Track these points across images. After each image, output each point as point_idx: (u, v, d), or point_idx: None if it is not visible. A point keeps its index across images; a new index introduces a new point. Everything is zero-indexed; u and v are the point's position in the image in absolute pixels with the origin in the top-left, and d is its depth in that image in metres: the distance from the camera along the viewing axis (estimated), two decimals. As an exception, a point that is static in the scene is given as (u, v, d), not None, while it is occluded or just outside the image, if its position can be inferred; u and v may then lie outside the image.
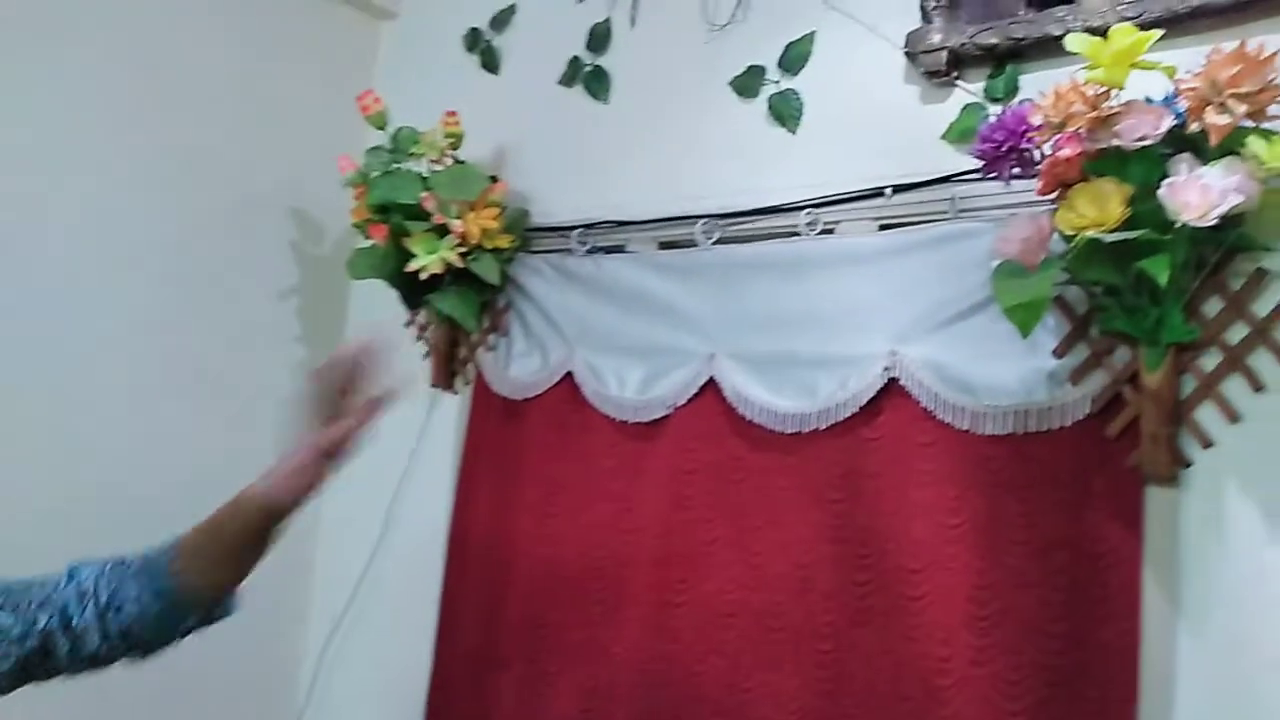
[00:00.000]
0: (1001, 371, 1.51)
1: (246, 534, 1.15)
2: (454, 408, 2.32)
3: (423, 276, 2.10)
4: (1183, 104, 1.25)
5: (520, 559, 2.05)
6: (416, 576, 2.28)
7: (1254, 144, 1.18)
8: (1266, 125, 1.21)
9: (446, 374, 2.31)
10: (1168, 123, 1.22)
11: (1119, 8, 1.46)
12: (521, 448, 2.12)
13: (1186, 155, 1.24)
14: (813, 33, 1.83)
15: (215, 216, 2.30)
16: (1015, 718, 1.44)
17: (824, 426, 1.68)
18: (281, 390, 2.39)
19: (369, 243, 2.20)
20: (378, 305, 2.39)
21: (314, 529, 2.51)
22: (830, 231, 1.77)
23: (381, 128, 2.20)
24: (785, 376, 1.74)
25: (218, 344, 2.31)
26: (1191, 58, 1.28)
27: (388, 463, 2.37)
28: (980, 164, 1.44)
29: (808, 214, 1.77)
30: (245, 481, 1.17)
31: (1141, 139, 1.23)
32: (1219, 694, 1.32)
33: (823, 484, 1.68)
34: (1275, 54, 1.18)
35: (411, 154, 2.16)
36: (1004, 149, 1.37)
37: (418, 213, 2.10)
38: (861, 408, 1.64)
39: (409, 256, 2.10)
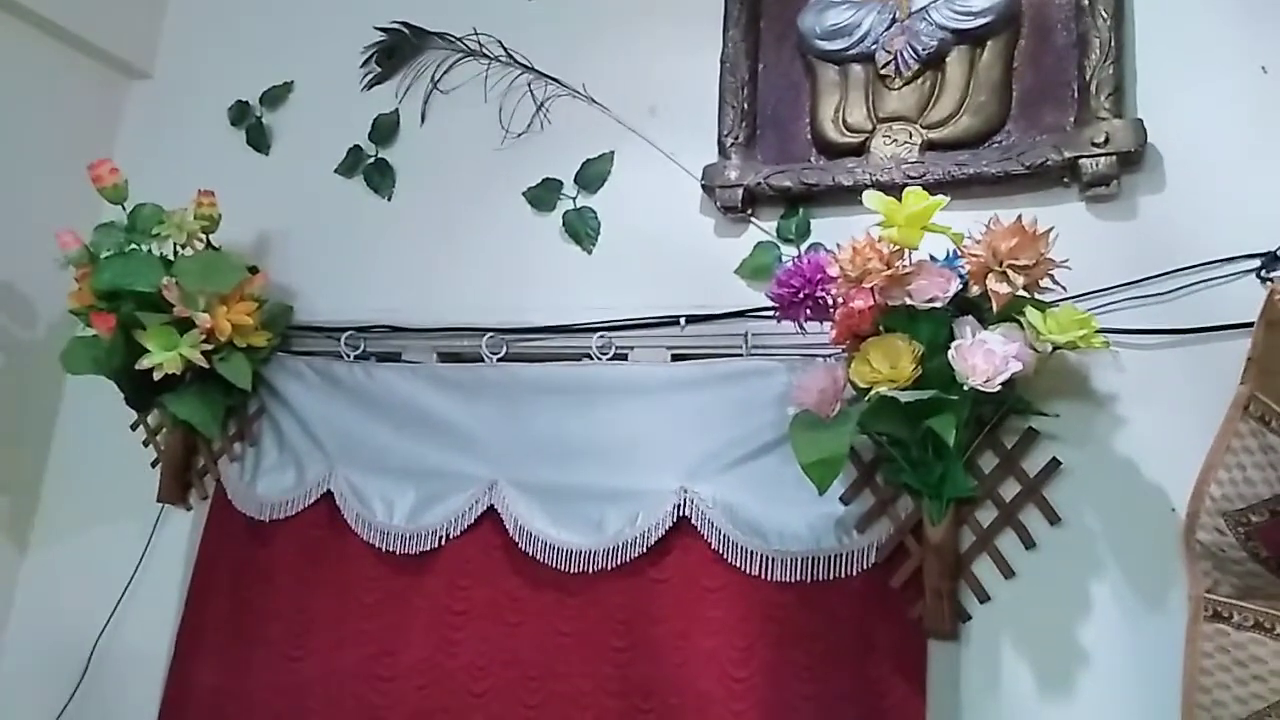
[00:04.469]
0: (791, 516, 1.48)
1: None
2: (185, 526, 2.00)
3: (157, 376, 1.80)
4: (965, 267, 1.29)
5: (255, 711, 1.76)
6: (121, 730, 1.90)
7: (1032, 315, 1.23)
8: (1040, 296, 1.27)
9: (179, 487, 1.99)
10: (955, 286, 1.26)
11: (903, 166, 1.52)
12: (265, 577, 1.85)
13: (969, 318, 1.28)
14: (612, 153, 1.80)
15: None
16: None
17: (611, 566, 1.57)
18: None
19: (90, 332, 1.88)
20: (97, 403, 2.05)
21: (-11, 671, 2.06)
22: (623, 357, 1.70)
23: (118, 202, 1.90)
24: (571, 509, 1.62)
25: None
26: (966, 220, 1.34)
27: (97, 590, 2.01)
28: (775, 305, 1.42)
29: (600, 337, 1.70)
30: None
31: (931, 300, 1.25)
32: None
33: (606, 630, 1.57)
34: (1048, 231, 1.25)
35: (154, 235, 1.89)
36: (800, 295, 1.36)
37: (155, 302, 1.82)
38: (650, 547, 1.55)
39: (140, 350, 1.80)
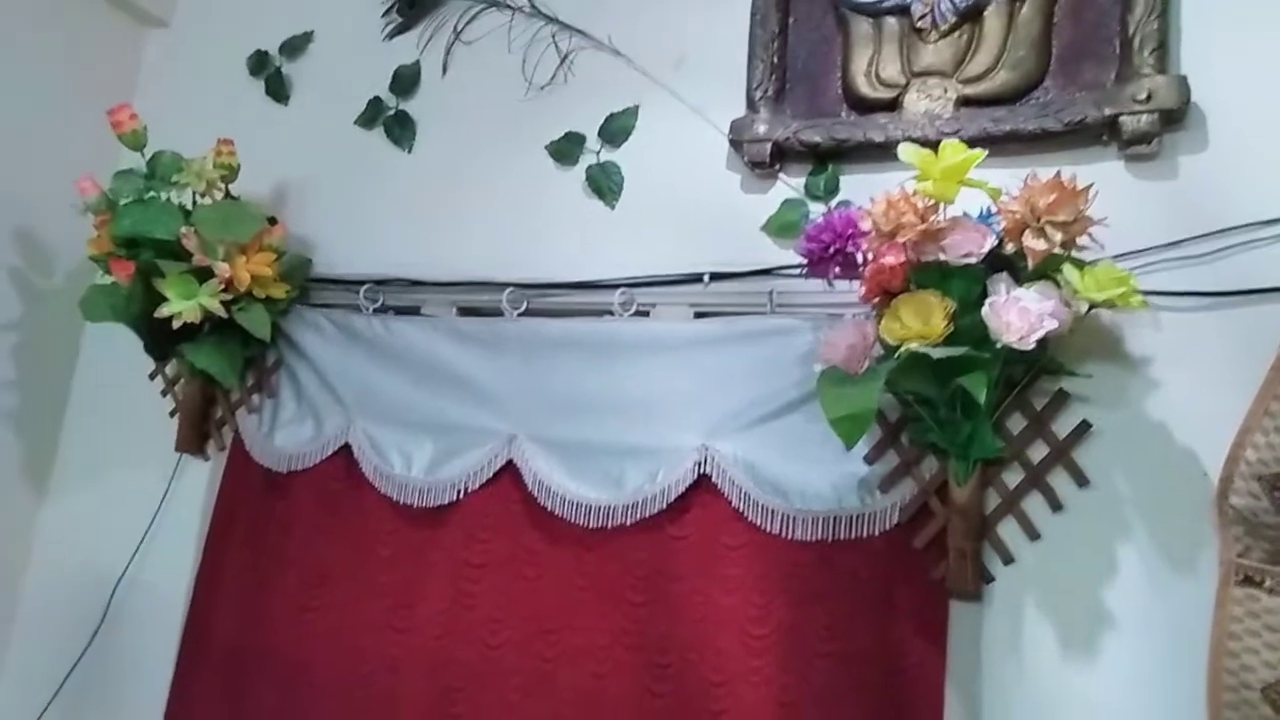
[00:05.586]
0: (814, 475, 1.46)
1: None
2: (203, 476, 2.00)
3: (175, 325, 1.79)
4: (1000, 224, 1.26)
5: (271, 661, 1.77)
6: (140, 678, 1.92)
7: (1069, 272, 1.20)
8: (1075, 254, 1.25)
9: (197, 437, 1.99)
10: (991, 242, 1.23)
11: (937, 123, 1.49)
12: (282, 528, 1.84)
13: (1004, 275, 1.26)
14: (636, 106, 1.76)
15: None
16: (814, 844, 1.37)
17: (630, 522, 1.56)
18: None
19: (109, 280, 1.87)
20: (116, 351, 2.05)
21: (11, 608, 2.08)
22: (645, 314, 1.68)
23: (138, 149, 1.89)
24: (591, 465, 1.61)
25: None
26: (1001, 179, 1.30)
27: (116, 538, 2.01)
28: (804, 261, 1.40)
29: (622, 293, 1.68)
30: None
31: (966, 256, 1.22)
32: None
33: (624, 585, 1.56)
34: (1088, 187, 1.22)
35: (173, 183, 1.87)
36: (830, 251, 1.33)
37: (174, 250, 1.81)
38: (670, 504, 1.54)
39: (159, 299, 1.79)
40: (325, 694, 1.70)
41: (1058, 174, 1.23)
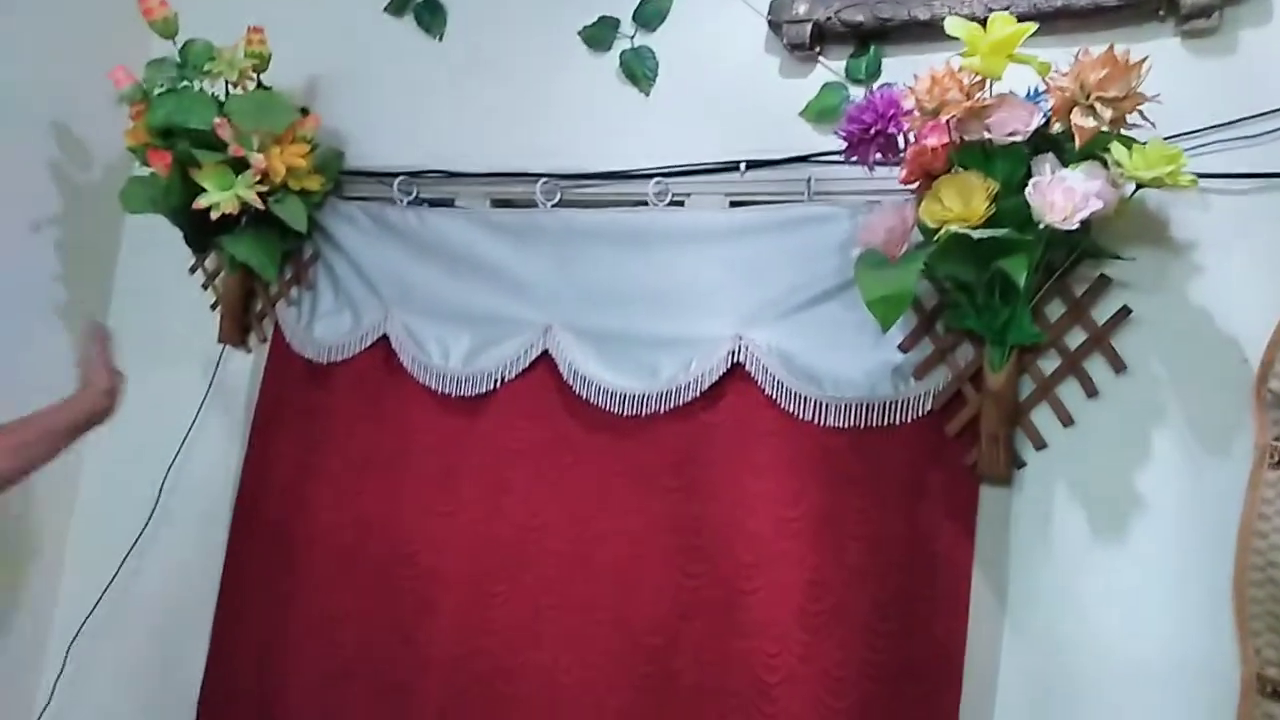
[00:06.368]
0: (847, 363, 1.47)
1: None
2: (246, 367, 2.05)
3: (214, 216, 1.81)
4: (1048, 102, 1.23)
5: (319, 541, 1.84)
6: (193, 557, 2.01)
7: (1118, 151, 1.17)
8: (1125, 132, 1.21)
9: (239, 329, 2.03)
10: (1038, 120, 1.20)
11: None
12: (325, 417, 1.89)
13: (1049, 155, 1.23)
14: (672, -13, 1.71)
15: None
16: (840, 715, 1.42)
17: (664, 409, 1.58)
18: (38, 337, 2.04)
19: (147, 171, 1.88)
20: (156, 244, 2.07)
21: (70, 497, 2.17)
22: (680, 203, 1.67)
23: (169, 37, 1.87)
24: (626, 354, 1.63)
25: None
26: (1052, 56, 1.26)
27: (166, 426, 2.08)
28: (844, 145, 1.37)
29: (657, 183, 1.66)
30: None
31: (1012, 134, 1.19)
32: (1039, 690, 1.34)
33: (659, 470, 1.59)
34: (1141, 62, 1.18)
35: (206, 72, 1.86)
36: (871, 132, 1.31)
37: (210, 140, 1.81)
38: (704, 392, 1.55)
39: (197, 191, 1.81)
40: (371, 572, 1.77)
41: (1110, 48, 1.18)
